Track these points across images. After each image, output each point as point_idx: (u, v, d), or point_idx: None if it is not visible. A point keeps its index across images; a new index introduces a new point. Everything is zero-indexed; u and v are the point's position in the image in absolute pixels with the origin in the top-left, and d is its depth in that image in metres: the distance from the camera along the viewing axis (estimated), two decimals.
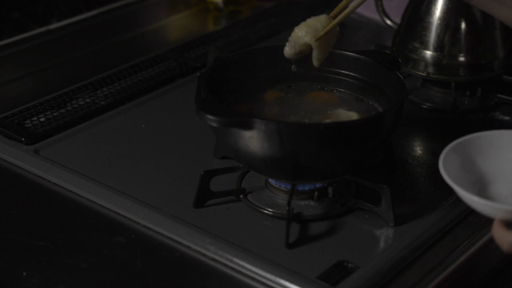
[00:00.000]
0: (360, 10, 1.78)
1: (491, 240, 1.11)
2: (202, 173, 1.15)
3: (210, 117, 1.05)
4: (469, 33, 1.38)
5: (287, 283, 1.03)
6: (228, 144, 1.11)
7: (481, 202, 0.94)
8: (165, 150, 1.29)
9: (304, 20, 1.75)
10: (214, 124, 1.05)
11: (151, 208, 1.15)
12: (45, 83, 1.53)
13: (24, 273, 1.06)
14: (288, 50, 1.15)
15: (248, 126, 1.05)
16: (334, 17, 1.15)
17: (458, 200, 1.16)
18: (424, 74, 1.42)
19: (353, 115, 1.18)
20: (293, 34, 1.14)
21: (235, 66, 1.22)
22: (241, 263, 1.06)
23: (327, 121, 1.17)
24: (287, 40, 1.16)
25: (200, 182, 1.15)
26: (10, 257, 1.09)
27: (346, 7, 1.15)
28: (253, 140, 1.07)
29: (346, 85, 1.24)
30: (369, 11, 1.75)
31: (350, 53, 1.23)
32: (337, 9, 1.16)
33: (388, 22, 1.52)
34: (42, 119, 1.37)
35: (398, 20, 1.48)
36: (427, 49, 1.41)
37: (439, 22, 1.39)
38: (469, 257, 1.09)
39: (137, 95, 1.45)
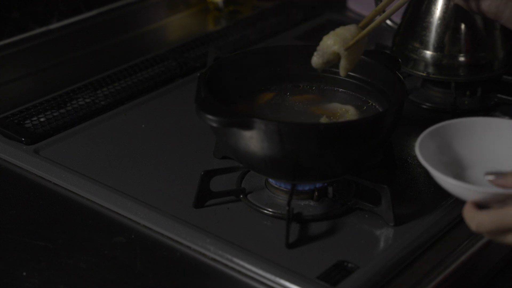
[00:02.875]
0: (360, 10, 1.79)
1: (491, 240, 1.12)
2: (202, 173, 1.15)
3: (210, 117, 1.05)
4: (469, 33, 1.38)
5: (287, 283, 1.03)
6: (228, 144, 1.11)
7: (454, 183, 0.95)
8: (165, 150, 1.29)
9: (305, 20, 1.76)
10: (214, 124, 1.05)
11: (151, 208, 1.15)
12: (45, 83, 1.53)
13: (24, 273, 1.06)
14: (316, 60, 1.13)
15: (248, 126, 1.05)
16: (363, 28, 1.14)
17: (458, 200, 1.16)
18: (424, 74, 1.42)
19: (349, 109, 1.19)
20: (321, 43, 1.12)
21: (235, 66, 1.22)
22: (241, 263, 1.06)
23: (325, 120, 1.17)
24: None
25: (200, 182, 1.15)
26: (10, 257, 1.09)
27: (374, 18, 1.15)
28: (253, 140, 1.07)
29: (346, 85, 1.24)
30: (369, 11, 1.75)
31: None
32: (366, 20, 1.15)
33: (388, 22, 1.52)
34: (42, 119, 1.37)
35: (398, 20, 1.48)
36: (427, 49, 1.41)
37: (439, 22, 1.39)
38: (469, 257, 1.09)
39: (137, 95, 1.45)
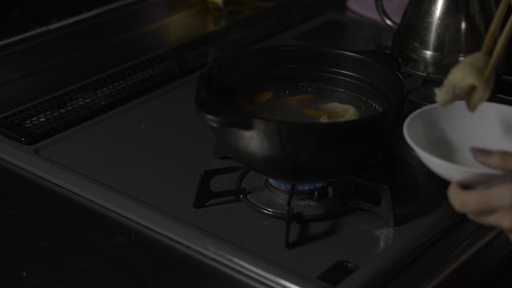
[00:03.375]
0: (360, 10, 1.79)
1: (491, 240, 1.12)
2: (202, 173, 1.15)
3: (210, 117, 1.05)
4: (469, 33, 1.38)
5: (287, 283, 1.03)
6: (228, 144, 1.11)
7: (439, 163, 0.96)
8: (165, 150, 1.29)
9: (305, 20, 1.76)
10: (214, 124, 1.05)
11: (151, 208, 1.15)
12: (45, 83, 1.53)
13: (24, 273, 1.06)
14: (445, 97, 1.01)
15: (248, 126, 1.05)
16: (487, 52, 1.05)
17: None
18: (424, 74, 1.42)
19: (349, 108, 1.19)
20: (450, 77, 1.01)
21: (235, 66, 1.22)
22: (241, 263, 1.06)
23: (324, 120, 1.17)
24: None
25: (200, 182, 1.15)
26: (10, 257, 1.09)
27: (495, 40, 1.05)
28: (253, 140, 1.07)
29: (346, 85, 1.24)
30: (369, 11, 1.75)
31: (350, 53, 1.23)
32: (486, 45, 1.05)
33: (388, 22, 1.52)
34: (42, 119, 1.37)
35: (398, 20, 1.48)
36: (427, 49, 1.41)
37: (439, 22, 1.39)
38: (469, 257, 1.09)
39: (137, 95, 1.45)
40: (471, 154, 0.95)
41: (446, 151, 1.04)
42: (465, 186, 0.95)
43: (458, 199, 0.94)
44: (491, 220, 0.93)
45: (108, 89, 1.46)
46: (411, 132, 1.01)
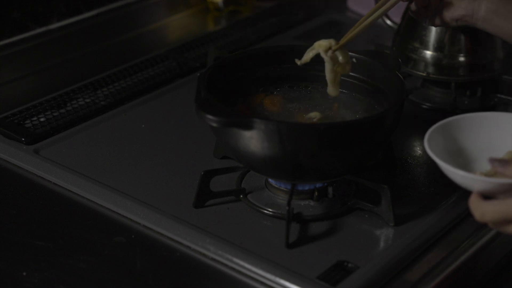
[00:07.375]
0: (360, 10, 1.79)
1: (491, 240, 1.12)
2: (202, 173, 1.15)
3: (210, 117, 1.05)
4: (469, 33, 1.38)
5: (287, 283, 1.03)
6: (228, 144, 1.11)
7: (461, 174, 0.97)
8: (165, 150, 1.29)
9: (305, 20, 1.75)
10: (214, 124, 1.05)
11: (151, 208, 1.15)
12: (45, 83, 1.53)
13: (24, 273, 1.06)
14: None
15: (248, 126, 1.05)
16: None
17: (458, 200, 1.16)
18: (424, 74, 1.42)
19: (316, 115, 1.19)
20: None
21: (235, 66, 1.22)
22: (241, 263, 1.06)
23: (315, 115, 1.17)
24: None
25: (200, 182, 1.15)
26: (10, 257, 1.09)
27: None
28: (253, 140, 1.07)
29: (346, 85, 1.24)
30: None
31: (350, 53, 1.23)
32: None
33: (388, 22, 1.52)
34: (42, 119, 1.37)
35: (398, 20, 1.48)
36: (427, 49, 1.41)
37: None
38: (469, 257, 1.09)
39: (137, 95, 1.45)
40: (489, 164, 0.96)
41: (464, 161, 1.05)
42: (486, 196, 0.96)
43: (478, 209, 0.95)
44: (511, 229, 0.94)
45: (108, 89, 1.46)
46: (431, 144, 1.01)
